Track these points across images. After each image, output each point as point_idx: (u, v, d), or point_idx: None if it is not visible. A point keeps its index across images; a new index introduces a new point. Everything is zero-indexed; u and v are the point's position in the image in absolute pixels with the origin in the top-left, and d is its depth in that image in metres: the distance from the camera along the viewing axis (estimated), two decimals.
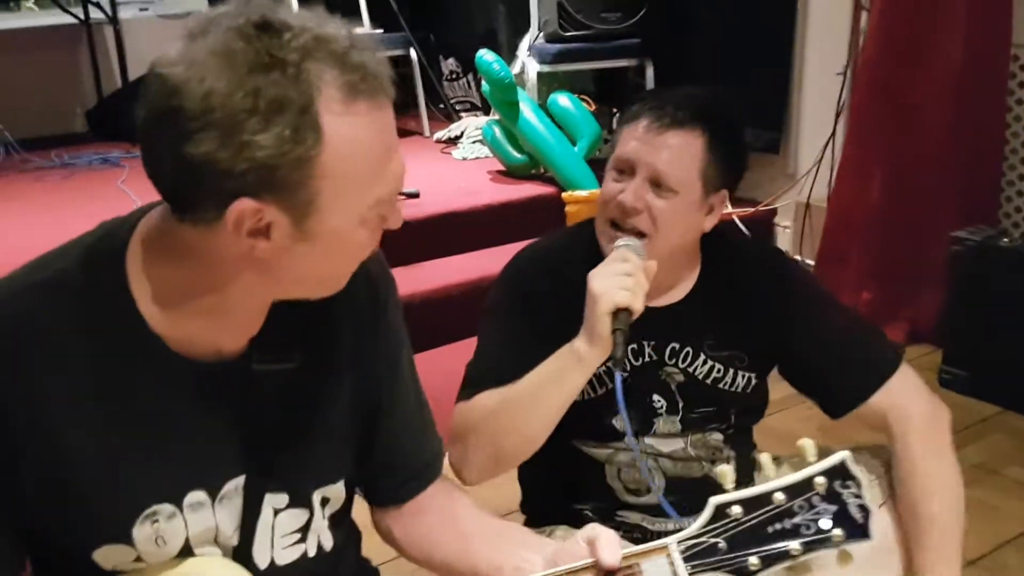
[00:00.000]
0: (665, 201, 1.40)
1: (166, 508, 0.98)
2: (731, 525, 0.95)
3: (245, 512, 1.03)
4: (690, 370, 1.51)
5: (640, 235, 1.41)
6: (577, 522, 1.55)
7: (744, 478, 1.60)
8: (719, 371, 1.51)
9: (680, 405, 1.52)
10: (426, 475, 1.19)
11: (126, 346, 0.94)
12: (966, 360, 2.75)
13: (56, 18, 4.75)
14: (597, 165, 3.61)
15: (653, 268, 1.36)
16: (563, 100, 3.67)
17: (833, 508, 0.96)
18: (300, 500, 1.07)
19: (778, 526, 0.96)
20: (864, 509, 0.97)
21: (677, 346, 1.50)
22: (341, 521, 1.15)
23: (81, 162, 4.11)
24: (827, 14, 3.52)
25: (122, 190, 3.55)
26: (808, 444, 1.00)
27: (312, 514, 1.09)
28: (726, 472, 0.98)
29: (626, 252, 1.37)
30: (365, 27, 4.51)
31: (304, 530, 1.08)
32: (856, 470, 0.99)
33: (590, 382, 1.45)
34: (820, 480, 0.97)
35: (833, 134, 3.44)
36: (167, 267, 0.93)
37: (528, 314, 1.46)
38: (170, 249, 0.93)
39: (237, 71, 0.81)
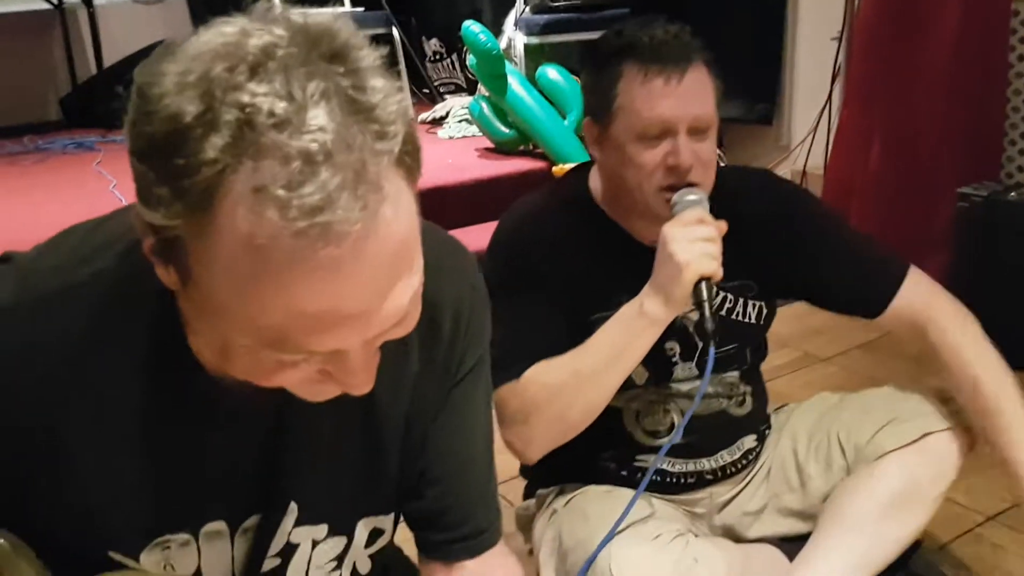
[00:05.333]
0: (706, 143, 1.37)
1: (180, 536, 0.87)
2: None
3: (264, 546, 0.91)
4: None
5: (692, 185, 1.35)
6: (592, 475, 1.48)
7: (761, 407, 1.59)
8: (731, 301, 1.47)
9: (697, 350, 1.47)
10: (482, 542, 1.04)
11: (162, 367, 0.80)
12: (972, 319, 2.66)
13: (28, 3, 4.63)
14: None
15: (724, 228, 1.32)
16: (552, 73, 3.58)
17: None
18: (340, 529, 0.95)
19: None
20: None
21: None
22: (384, 550, 1.03)
23: (55, 147, 3.99)
24: None
25: (98, 172, 3.45)
26: None
27: (351, 541, 0.96)
28: None
29: (701, 212, 1.31)
30: (346, 6, 4.42)
31: (340, 557, 0.97)
32: None
33: None
34: None
35: (829, 100, 3.37)
36: None
37: (535, 288, 1.38)
38: None
39: None
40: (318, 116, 0.62)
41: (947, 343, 1.45)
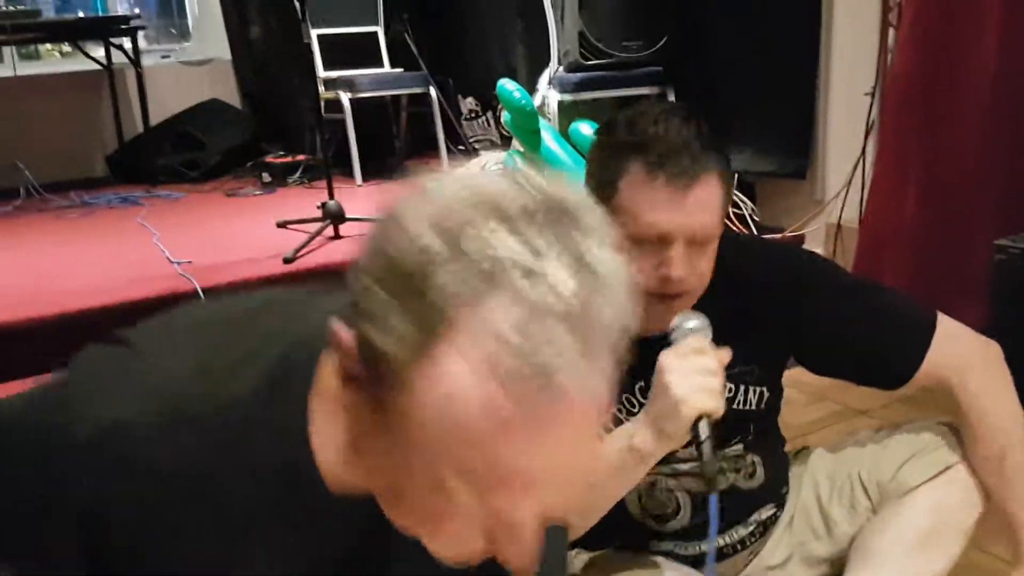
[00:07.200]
0: (705, 254, 1.28)
1: None
2: None
3: None
4: None
5: (678, 296, 1.27)
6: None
7: (777, 475, 1.52)
8: (730, 391, 1.39)
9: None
10: None
11: (288, 499, 0.78)
12: (1011, 373, 2.62)
13: (79, 64, 4.79)
14: None
15: (727, 358, 1.21)
16: (585, 128, 3.63)
17: None
18: None
19: None
20: None
21: None
22: None
23: (101, 201, 4.10)
24: (852, 35, 3.48)
25: (141, 224, 3.53)
26: None
27: None
28: None
29: (702, 340, 1.20)
30: (385, 67, 4.52)
31: None
32: None
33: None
34: None
35: (863, 154, 3.38)
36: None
37: None
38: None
39: None
40: (565, 280, 0.65)
41: (976, 408, 1.41)
